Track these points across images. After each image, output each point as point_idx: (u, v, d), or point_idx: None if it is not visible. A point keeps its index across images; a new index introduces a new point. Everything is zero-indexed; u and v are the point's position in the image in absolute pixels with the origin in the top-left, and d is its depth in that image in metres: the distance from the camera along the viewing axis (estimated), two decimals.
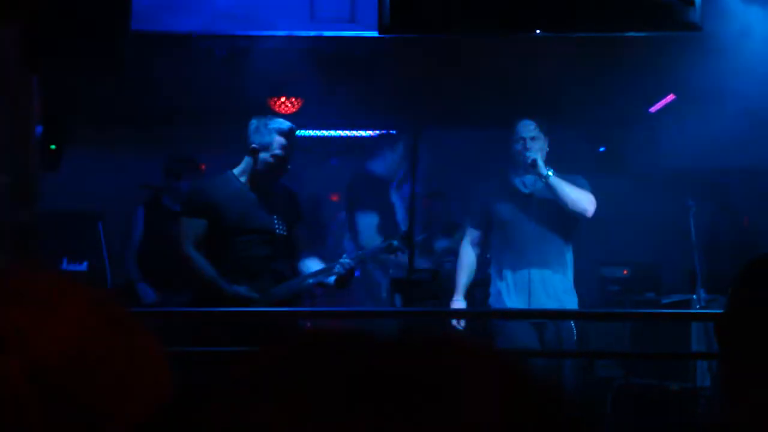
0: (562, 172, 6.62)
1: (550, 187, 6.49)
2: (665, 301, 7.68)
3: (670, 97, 9.14)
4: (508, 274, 6.56)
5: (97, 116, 9.52)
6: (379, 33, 5.78)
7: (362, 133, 10.30)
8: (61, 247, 8.18)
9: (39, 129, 6.37)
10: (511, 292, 6.52)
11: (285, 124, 6.27)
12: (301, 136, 10.01)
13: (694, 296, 7.14)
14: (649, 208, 8.68)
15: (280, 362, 0.80)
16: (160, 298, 7.68)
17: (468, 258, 6.76)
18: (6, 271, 1.09)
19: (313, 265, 6.28)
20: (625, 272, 9.28)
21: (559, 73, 8.20)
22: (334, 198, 9.97)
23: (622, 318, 7.36)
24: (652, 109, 9.49)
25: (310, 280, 6.22)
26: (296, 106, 9.16)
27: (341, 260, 6.08)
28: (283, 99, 9.12)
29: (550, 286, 6.49)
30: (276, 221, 6.18)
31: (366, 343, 0.82)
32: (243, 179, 6.26)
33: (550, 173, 6.46)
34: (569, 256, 6.64)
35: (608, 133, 10.15)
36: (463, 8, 5.67)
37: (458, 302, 6.61)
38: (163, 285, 7.64)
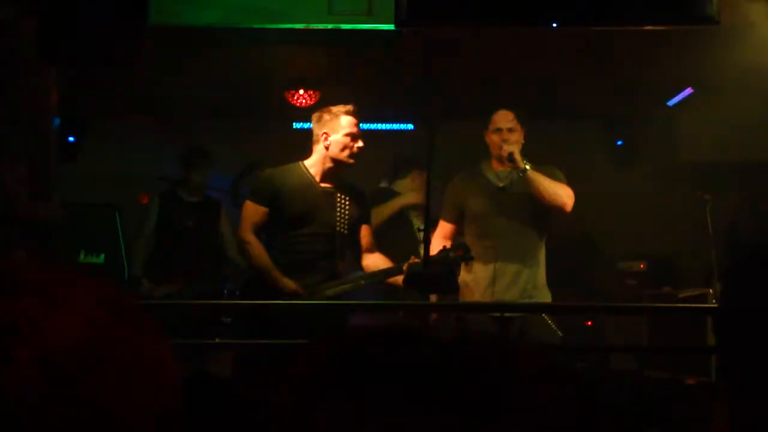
0: (537, 164, 6.46)
1: (527, 182, 6.24)
2: (682, 294, 7.67)
3: (688, 91, 9.11)
4: (477, 267, 6.36)
5: (115, 109, 9.56)
6: (396, 26, 5.79)
7: (379, 126, 10.31)
8: (79, 240, 8.20)
9: (57, 121, 6.40)
10: (478, 286, 6.35)
11: (347, 106, 6.29)
12: None
13: (711, 290, 7.13)
14: (667, 202, 8.65)
15: (345, 358, 0.81)
16: (168, 292, 7.68)
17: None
18: (20, 263, 1.11)
19: (375, 264, 6.27)
20: (642, 266, 9.27)
21: (576, 66, 8.19)
22: None
23: (636, 312, 7.34)
24: (670, 103, 9.47)
25: (363, 282, 6.18)
26: (313, 99, 9.17)
27: (410, 262, 6.02)
28: (300, 92, 9.13)
29: (520, 281, 6.29)
30: (339, 218, 6.16)
31: (422, 341, 0.82)
32: (313, 171, 6.23)
33: (527, 167, 6.23)
34: (543, 252, 6.41)
35: (626, 126, 10.13)
36: (480, 2, 5.67)
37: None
38: (174, 277, 7.65)
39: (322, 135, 6.18)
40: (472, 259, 6.08)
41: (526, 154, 6.39)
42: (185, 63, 8.06)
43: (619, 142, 10.34)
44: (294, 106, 9.29)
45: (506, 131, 6.37)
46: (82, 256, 8.21)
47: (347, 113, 6.21)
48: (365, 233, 6.34)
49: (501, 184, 6.44)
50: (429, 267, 5.73)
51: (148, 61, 5.87)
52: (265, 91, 8.69)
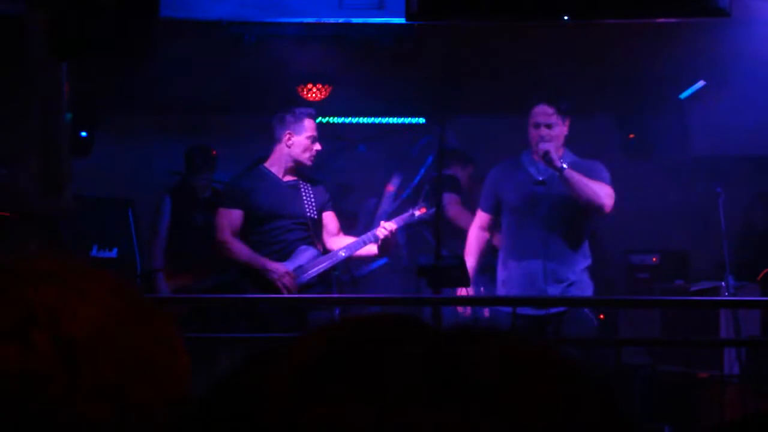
0: (582, 156, 6.40)
1: (564, 182, 6.10)
2: (694, 288, 7.65)
3: (700, 83, 9.09)
4: (512, 264, 6.28)
5: (127, 103, 9.57)
6: (407, 20, 5.78)
7: (390, 120, 10.31)
8: (92, 234, 8.22)
9: (69, 116, 6.41)
10: (513, 284, 6.25)
11: (309, 109, 6.68)
12: (328, 123, 10.04)
13: (723, 283, 7.11)
14: (679, 195, 8.63)
15: (347, 348, 0.81)
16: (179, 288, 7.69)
17: (477, 242, 6.50)
18: (37, 255, 1.15)
19: (346, 242, 6.56)
20: (654, 260, 9.24)
21: (588, 59, 8.18)
22: (390, 188, 9.94)
23: (648, 305, 7.33)
24: (683, 96, 9.44)
25: (343, 254, 6.47)
26: (325, 93, 9.17)
27: (380, 227, 6.33)
28: (311, 86, 9.12)
29: (555, 279, 6.18)
30: (307, 205, 6.48)
31: (425, 330, 0.83)
32: (274, 170, 6.60)
33: (564, 166, 6.08)
34: (583, 248, 6.30)
35: (638, 119, 10.10)
36: None
37: (464, 288, 6.46)
38: (187, 272, 7.66)
39: (286, 135, 6.51)
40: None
41: (569, 146, 6.33)
42: (196, 57, 8.07)
43: (632, 136, 10.31)
44: (305, 100, 9.29)
45: (544, 126, 6.26)
46: (95, 250, 8.24)
47: (310, 116, 6.54)
48: (330, 218, 6.65)
49: (540, 178, 6.33)
50: (441, 261, 5.73)
51: (159, 55, 5.87)
52: (276, 85, 8.69)
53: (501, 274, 6.39)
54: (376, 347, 0.78)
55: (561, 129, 6.32)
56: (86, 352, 1.06)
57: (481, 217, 6.54)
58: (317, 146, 6.50)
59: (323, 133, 9.05)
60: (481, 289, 7.05)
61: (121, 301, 1.13)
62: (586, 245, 6.34)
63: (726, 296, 6.95)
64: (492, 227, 6.51)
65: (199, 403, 0.83)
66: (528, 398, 0.75)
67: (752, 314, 6.95)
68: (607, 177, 6.34)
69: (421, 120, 10.39)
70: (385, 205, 8.66)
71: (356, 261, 7.19)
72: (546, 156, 6.09)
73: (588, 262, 6.38)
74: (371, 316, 0.84)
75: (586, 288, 6.29)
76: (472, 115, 9.72)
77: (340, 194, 8.54)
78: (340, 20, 6.70)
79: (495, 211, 6.44)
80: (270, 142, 6.69)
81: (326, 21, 6.75)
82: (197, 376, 1.14)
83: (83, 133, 9.59)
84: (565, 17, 5.70)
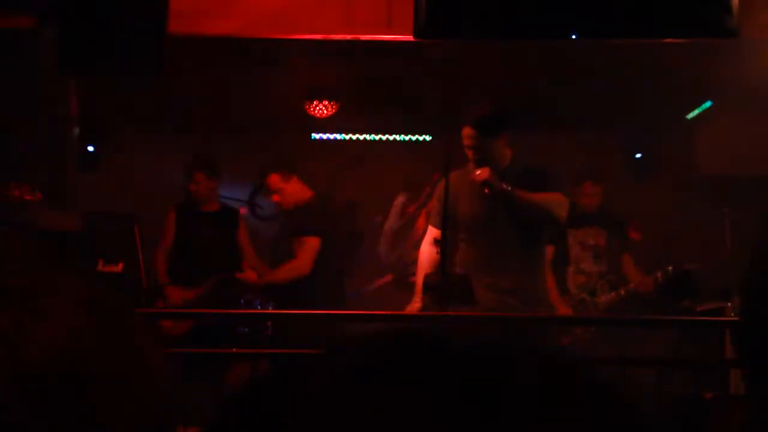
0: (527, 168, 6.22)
1: (515, 201, 5.98)
2: (700, 308, 7.63)
3: (708, 103, 9.09)
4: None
5: (134, 118, 9.59)
6: (415, 38, 5.78)
7: (397, 137, 10.32)
8: (97, 249, 8.22)
9: (76, 131, 6.42)
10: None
11: None
12: (336, 140, 10.06)
13: (729, 303, 7.10)
14: (685, 215, 8.63)
15: (362, 364, 0.80)
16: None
17: (428, 258, 6.42)
18: (3, 271, 1.08)
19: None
20: (660, 279, 9.21)
21: (595, 78, 8.19)
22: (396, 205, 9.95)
23: (654, 325, 7.30)
24: (690, 116, 9.45)
25: None
26: (332, 109, 9.19)
27: None
28: (318, 102, 9.14)
29: (514, 292, 6.09)
30: None
31: (443, 347, 0.82)
32: None
33: (508, 188, 5.97)
34: (539, 261, 6.24)
35: (645, 139, 10.11)
36: (499, 13, 5.66)
37: (416, 305, 6.34)
38: (191, 286, 7.66)
39: None
40: None
41: (514, 161, 6.26)
42: (204, 73, 8.09)
43: (638, 155, 10.31)
44: (313, 117, 9.31)
45: (472, 149, 6.13)
46: (100, 265, 8.23)
47: None
48: None
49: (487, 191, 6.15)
50: (447, 278, 5.72)
51: (167, 70, 5.88)
52: (284, 102, 8.71)
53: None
54: (391, 363, 0.77)
55: (493, 149, 6.16)
56: (47, 379, 0.98)
57: (432, 233, 6.45)
58: None
59: (330, 149, 9.09)
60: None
61: (89, 318, 1.04)
62: (543, 258, 6.28)
63: (732, 317, 6.93)
64: (444, 242, 6.44)
65: (226, 411, 0.82)
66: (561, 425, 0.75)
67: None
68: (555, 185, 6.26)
69: (428, 137, 10.41)
70: (392, 222, 8.65)
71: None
72: (486, 185, 5.98)
73: (544, 274, 6.36)
74: (385, 332, 0.83)
75: (538, 300, 6.20)
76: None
77: (347, 211, 8.55)
78: (348, 37, 6.71)
79: (446, 226, 6.38)
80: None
81: (334, 38, 6.76)
82: (203, 392, 1.13)
83: (90, 148, 9.61)
84: (573, 36, 5.71)
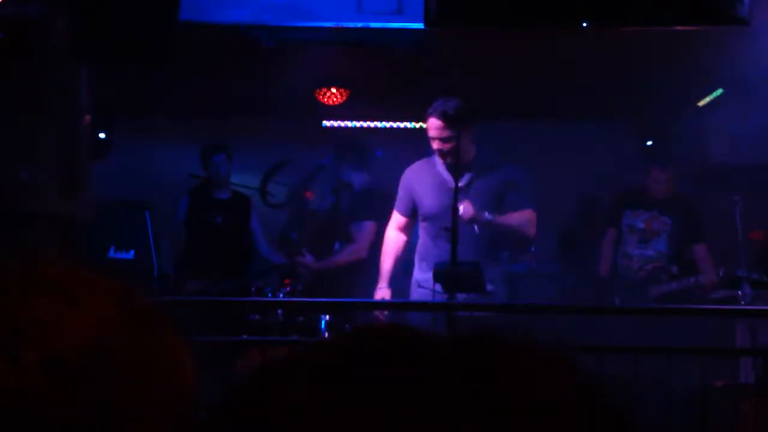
0: (502, 159, 6.34)
1: (494, 228, 6.16)
2: (711, 297, 7.62)
3: (719, 91, 9.07)
4: (425, 267, 6.28)
5: (146, 105, 9.60)
6: (425, 25, 5.78)
7: (408, 124, 10.31)
8: (109, 236, 8.24)
9: (88, 118, 6.43)
10: (426, 287, 6.21)
11: None
12: (347, 127, 10.06)
13: (740, 292, 7.09)
14: (696, 203, 8.60)
15: (350, 360, 0.81)
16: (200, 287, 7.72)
17: (393, 244, 6.53)
18: (42, 262, 1.10)
19: None
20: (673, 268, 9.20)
21: (606, 66, 8.17)
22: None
23: (664, 313, 7.29)
24: (701, 103, 9.42)
25: None
26: (343, 97, 9.19)
27: None
28: (328, 90, 9.14)
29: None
30: None
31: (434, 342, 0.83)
32: None
33: (490, 217, 6.08)
34: (499, 255, 6.28)
35: (656, 127, 10.09)
36: (509, 2, 5.66)
37: (382, 290, 6.45)
38: (204, 273, 7.68)
39: None
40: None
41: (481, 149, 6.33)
42: (215, 61, 8.09)
43: (649, 143, 10.29)
44: (323, 105, 9.31)
45: (437, 140, 6.22)
46: (111, 252, 8.26)
47: None
48: None
49: (456, 184, 6.17)
50: (457, 266, 5.72)
51: (178, 58, 5.89)
52: (294, 90, 8.71)
53: (416, 275, 6.41)
54: (387, 359, 0.78)
55: (465, 138, 6.22)
56: (77, 368, 1.00)
57: (397, 219, 6.56)
58: None
59: (340, 136, 9.07)
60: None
61: (121, 310, 1.06)
62: (504, 252, 6.29)
63: (742, 305, 6.93)
64: (408, 229, 6.48)
65: (216, 409, 0.83)
66: (545, 413, 0.76)
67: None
68: (526, 193, 6.36)
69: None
70: None
71: None
72: (473, 221, 6.05)
73: (503, 268, 6.38)
74: (370, 327, 0.84)
75: (499, 296, 6.25)
76: (491, 121, 9.71)
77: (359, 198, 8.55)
78: (359, 25, 6.70)
79: (411, 214, 6.41)
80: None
81: (345, 26, 6.76)
82: (212, 379, 1.13)
83: (102, 135, 9.63)
84: (585, 24, 5.70)
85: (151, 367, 1.06)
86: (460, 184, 6.12)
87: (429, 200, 6.33)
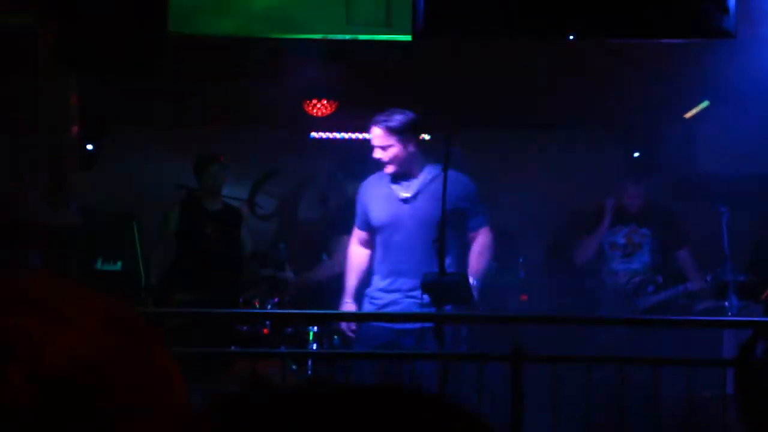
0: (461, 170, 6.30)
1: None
2: (697, 307, 7.65)
3: (705, 103, 9.11)
4: (377, 279, 6.33)
5: (134, 117, 9.60)
6: (413, 37, 5.80)
7: None
8: (96, 248, 8.24)
9: (76, 129, 6.43)
10: (374, 298, 6.31)
11: None
12: (336, 139, 10.06)
13: (726, 303, 7.11)
14: (683, 214, 8.64)
15: None
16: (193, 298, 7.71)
17: (356, 259, 6.54)
18: (29, 277, 1.09)
19: None
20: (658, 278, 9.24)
21: (593, 77, 8.20)
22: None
23: (650, 324, 7.32)
24: (687, 115, 9.46)
25: None
26: (330, 108, 9.19)
27: None
28: (317, 101, 9.15)
29: (412, 295, 6.14)
30: None
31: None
32: None
33: (478, 284, 6.11)
34: (450, 264, 6.12)
35: (643, 138, 10.12)
36: (497, 13, 5.68)
37: (348, 305, 6.44)
38: (194, 285, 7.67)
39: None
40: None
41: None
42: (203, 72, 8.10)
43: (636, 154, 10.33)
44: (312, 116, 9.31)
45: (378, 148, 6.26)
46: (99, 264, 8.25)
47: None
48: None
49: (405, 195, 6.30)
50: (445, 277, 5.72)
51: (167, 69, 5.89)
52: (282, 101, 8.72)
53: (370, 287, 6.42)
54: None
55: (399, 149, 6.23)
56: (67, 386, 0.99)
57: (357, 234, 6.57)
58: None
59: (329, 148, 9.06)
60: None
61: (111, 327, 1.05)
62: (453, 261, 6.26)
63: (729, 316, 6.96)
64: (370, 242, 6.50)
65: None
66: None
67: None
68: (480, 207, 6.36)
69: (426, 135, 10.41)
70: None
71: None
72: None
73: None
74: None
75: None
76: (478, 130, 9.74)
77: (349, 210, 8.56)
78: (348, 37, 6.72)
79: (367, 227, 6.46)
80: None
81: (334, 37, 6.77)
82: (195, 391, 1.13)
83: (89, 147, 9.62)
84: (571, 36, 5.73)
85: (141, 384, 1.05)
86: (407, 195, 6.23)
87: (376, 212, 6.38)
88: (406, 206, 6.26)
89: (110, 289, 1.13)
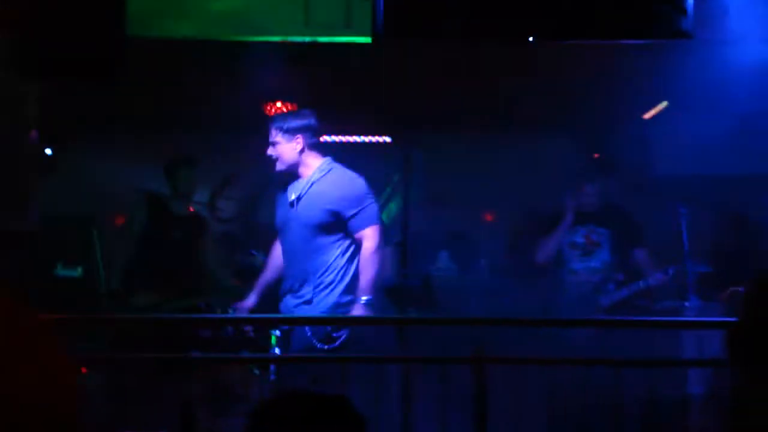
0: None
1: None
2: (657, 307, 7.69)
3: (663, 104, 9.18)
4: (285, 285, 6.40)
5: (92, 121, 9.54)
6: (373, 39, 5.80)
7: (356, 138, 10.32)
8: (56, 252, 8.18)
9: (35, 134, 6.39)
10: (286, 302, 6.33)
11: None
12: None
13: (687, 303, 7.16)
14: (642, 215, 8.69)
15: None
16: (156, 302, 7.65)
17: (271, 259, 6.62)
18: None
19: None
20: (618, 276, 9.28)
21: (552, 79, 8.23)
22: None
23: (610, 325, 7.34)
24: (646, 116, 9.52)
25: None
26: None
27: None
28: (277, 104, 9.14)
29: (295, 296, 6.23)
30: None
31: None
32: None
33: (370, 297, 6.06)
34: (329, 267, 6.20)
35: (602, 139, 10.18)
36: (457, 15, 5.69)
37: (248, 300, 6.52)
38: (160, 290, 7.62)
39: None
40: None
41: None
42: (162, 75, 8.06)
43: (595, 155, 10.38)
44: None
45: (270, 145, 6.32)
46: (59, 269, 8.19)
47: None
48: None
49: (292, 198, 6.33)
50: (406, 280, 5.73)
51: (126, 73, 5.86)
52: (242, 104, 8.69)
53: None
54: None
55: (287, 147, 6.29)
56: None
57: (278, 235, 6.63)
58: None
59: None
60: None
61: (2, 329, 1.05)
62: (334, 264, 6.26)
63: (688, 316, 7.00)
64: None
65: None
66: None
67: (715, 333, 6.99)
68: (365, 208, 6.27)
69: (388, 138, 10.42)
70: None
71: None
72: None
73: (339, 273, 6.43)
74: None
75: (321, 306, 6.21)
76: (439, 133, 9.76)
77: None
78: (307, 39, 6.71)
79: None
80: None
81: (293, 40, 6.76)
82: (163, 395, 1.13)
83: (48, 151, 9.55)
84: (530, 38, 5.75)
85: (32, 382, 1.04)
86: (296, 196, 6.24)
87: (276, 216, 6.48)
88: (292, 210, 6.29)
89: (70, 294, 1.12)
